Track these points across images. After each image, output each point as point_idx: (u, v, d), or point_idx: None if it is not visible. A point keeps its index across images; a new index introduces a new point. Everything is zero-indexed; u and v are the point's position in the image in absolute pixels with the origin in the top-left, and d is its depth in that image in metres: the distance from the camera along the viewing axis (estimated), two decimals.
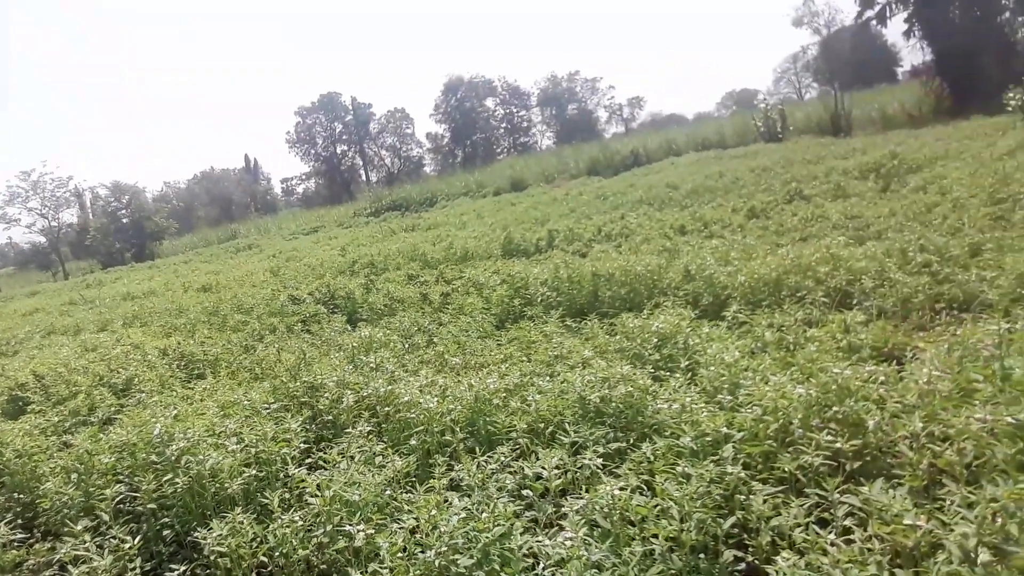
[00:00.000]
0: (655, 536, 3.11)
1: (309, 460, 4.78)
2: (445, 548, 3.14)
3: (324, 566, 3.75)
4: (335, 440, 5.01)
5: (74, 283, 33.19)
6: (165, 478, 4.56)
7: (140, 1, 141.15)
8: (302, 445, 4.90)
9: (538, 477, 3.72)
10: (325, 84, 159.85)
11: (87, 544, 3.82)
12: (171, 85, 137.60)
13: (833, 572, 2.61)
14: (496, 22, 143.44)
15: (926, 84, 33.44)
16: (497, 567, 3.10)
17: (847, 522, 2.98)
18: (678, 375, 5.01)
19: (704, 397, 4.51)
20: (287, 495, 4.28)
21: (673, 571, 2.98)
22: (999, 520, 2.42)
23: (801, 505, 3.08)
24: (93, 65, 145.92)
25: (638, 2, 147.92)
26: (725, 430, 3.84)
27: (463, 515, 3.35)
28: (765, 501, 3.16)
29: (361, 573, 3.37)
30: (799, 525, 2.99)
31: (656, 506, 3.22)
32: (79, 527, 3.98)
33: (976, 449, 3.06)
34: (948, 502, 2.84)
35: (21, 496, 5.27)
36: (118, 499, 4.49)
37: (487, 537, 3.16)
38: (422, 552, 3.21)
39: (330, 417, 5.61)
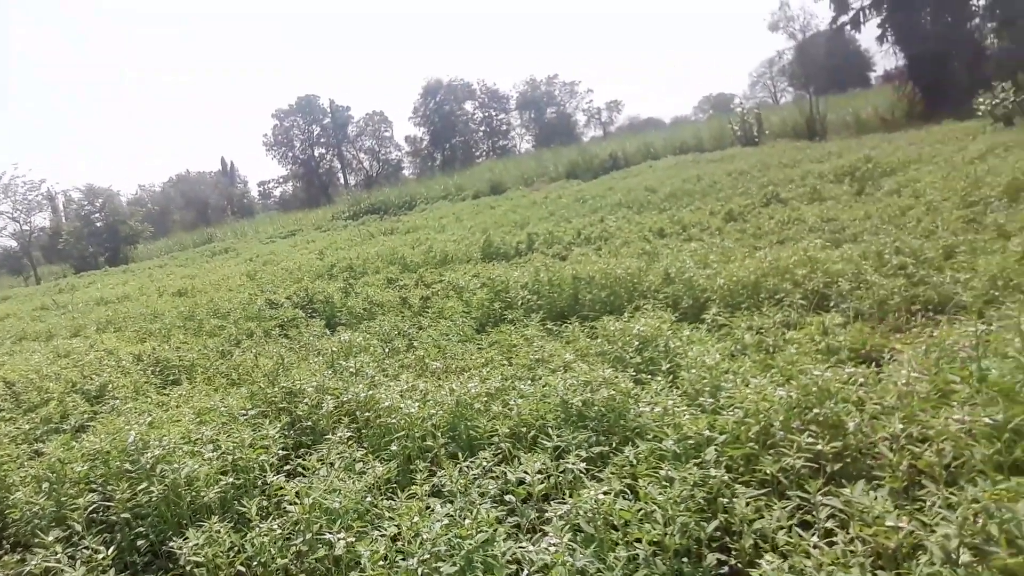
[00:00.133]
0: (639, 540, 3.10)
1: (288, 467, 4.73)
2: (427, 556, 3.10)
3: (304, 575, 3.69)
4: (314, 446, 4.95)
5: (46, 288, 32.61)
6: (140, 487, 4.47)
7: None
8: (280, 452, 4.84)
9: (521, 482, 3.70)
10: (302, 87, 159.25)
11: (58, 555, 3.72)
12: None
13: (816, 575, 2.62)
14: (475, 25, 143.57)
15: (899, 89, 34.02)
16: (481, 574, 3.07)
17: (829, 524, 3.00)
18: (660, 378, 5.02)
19: (686, 400, 4.52)
20: (265, 503, 4.22)
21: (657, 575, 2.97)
22: (980, 521, 2.43)
23: (783, 507, 3.09)
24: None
25: (616, 7, 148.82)
26: (707, 433, 3.85)
27: (445, 522, 3.31)
28: (748, 504, 3.17)
29: None
30: (782, 528, 3.00)
31: (640, 510, 3.21)
32: (50, 538, 3.89)
33: (955, 450, 3.09)
34: (928, 503, 2.86)
35: None
36: (91, 508, 4.40)
37: (470, 544, 3.13)
38: (404, 560, 3.16)
39: (309, 423, 5.54)
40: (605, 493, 3.26)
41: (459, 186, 39.51)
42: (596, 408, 4.56)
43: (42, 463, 5.09)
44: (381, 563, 3.23)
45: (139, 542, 4.33)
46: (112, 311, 15.35)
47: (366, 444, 5.00)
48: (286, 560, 3.65)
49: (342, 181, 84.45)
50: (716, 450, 3.63)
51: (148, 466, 4.57)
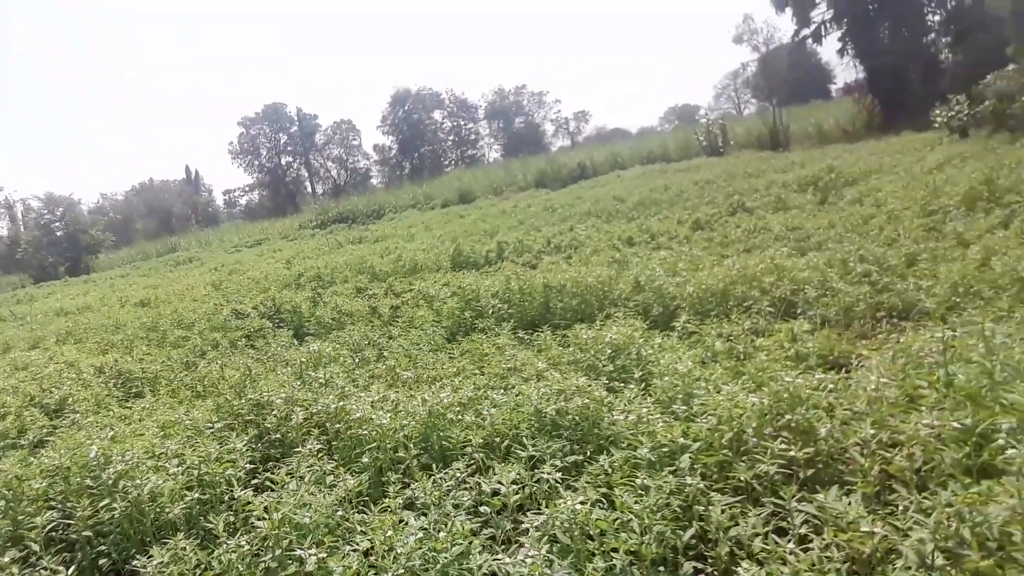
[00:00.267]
0: (615, 550, 3.08)
1: (256, 481, 4.62)
2: (402, 570, 3.05)
3: None
4: (283, 460, 4.85)
5: (3, 298, 31.59)
6: (101, 503, 4.33)
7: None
8: (248, 465, 4.72)
9: (495, 493, 3.66)
10: (268, 95, 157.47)
11: None
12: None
13: None
14: (444, 35, 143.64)
15: (858, 101, 34.93)
16: None
17: (804, 530, 3.01)
18: (633, 386, 5.02)
19: (659, 407, 4.52)
20: (233, 519, 4.11)
21: None
22: (953, 525, 2.46)
23: (758, 514, 3.10)
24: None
25: (582, 19, 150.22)
26: (681, 440, 3.85)
27: (419, 535, 3.26)
28: (723, 511, 3.17)
29: None
30: (757, 534, 3.01)
31: (616, 519, 3.19)
32: (6, 558, 3.75)
33: (925, 454, 3.13)
34: (900, 507, 2.89)
35: None
36: (50, 527, 4.24)
37: (445, 557, 3.08)
38: (377, 575, 3.10)
39: (278, 435, 5.43)
40: (581, 503, 3.24)
41: (428, 195, 39.45)
42: (570, 417, 4.55)
43: None
44: None
45: (101, 561, 4.18)
46: (72, 322, 14.93)
47: (337, 456, 4.91)
48: None
49: (309, 190, 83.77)
50: (691, 457, 3.64)
51: (110, 482, 4.43)
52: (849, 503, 2.90)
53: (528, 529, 3.22)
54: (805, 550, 2.80)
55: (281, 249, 28.82)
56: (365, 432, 4.82)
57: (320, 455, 4.65)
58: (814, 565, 2.68)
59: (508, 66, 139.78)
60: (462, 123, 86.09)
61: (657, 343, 6.15)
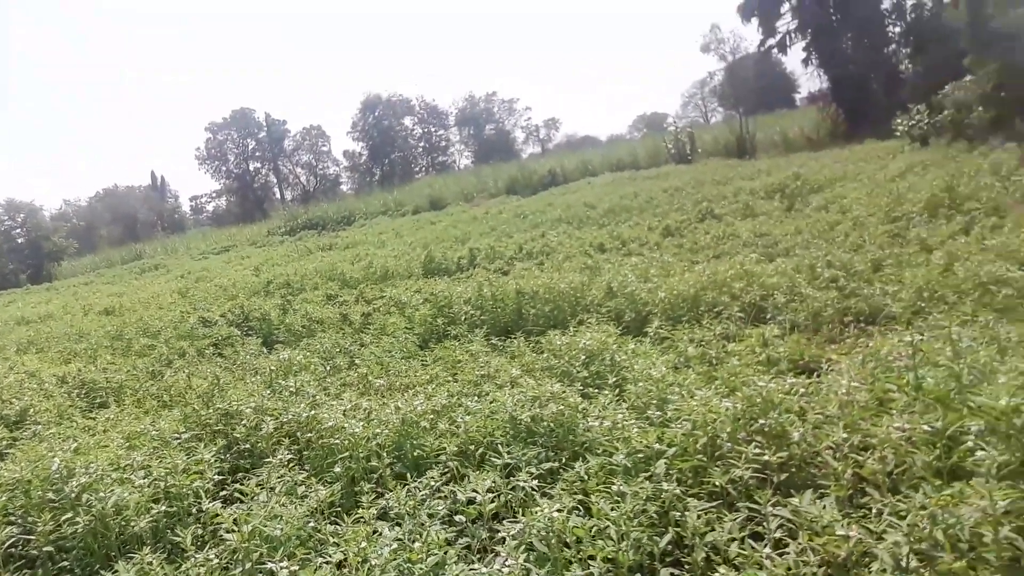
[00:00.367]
0: (592, 558, 3.06)
1: (225, 493, 4.52)
2: None
3: None
4: (253, 470, 4.76)
5: None
6: (64, 517, 4.19)
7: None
8: (216, 477, 4.61)
9: (471, 502, 3.63)
10: (236, 100, 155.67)
11: None
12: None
13: None
14: (414, 42, 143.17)
15: (823, 110, 35.64)
16: None
17: (779, 534, 3.02)
18: (607, 392, 5.02)
19: (634, 413, 4.52)
20: (201, 532, 4.01)
21: None
22: (927, 527, 2.49)
23: (734, 519, 3.11)
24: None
25: (551, 26, 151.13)
26: (656, 446, 3.85)
27: (394, 546, 3.21)
28: (699, 517, 3.17)
29: None
30: (733, 539, 3.01)
31: (593, 527, 3.18)
32: None
33: (896, 457, 3.17)
34: (873, 510, 2.92)
35: None
36: (9, 543, 4.10)
37: (421, 568, 3.04)
38: None
39: (247, 446, 5.32)
40: (558, 510, 3.21)
41: (399, 202, 39.26)
42: (545, 423, 4.53)
43: None
44: None
45: None
46: (34, 331, 14.53)
47: (308, 466, 4.83)
48: None
49: (278, 196, 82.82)
50: (666, 463, 3.64)
51: (73, 495, 4.30)
52: (823, 507, 2.93)
53: (504, 538, 3.19)
54: (781, 554, 2.81)
55: (249, 256, 28.42)
56: (337, 441, 4.74)
57: (291, 465, 4.57)
58: (790, 569, 2.69)
59: (479, 74, 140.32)
60: (433, 130, 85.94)
61: (631, 349, 6.17)
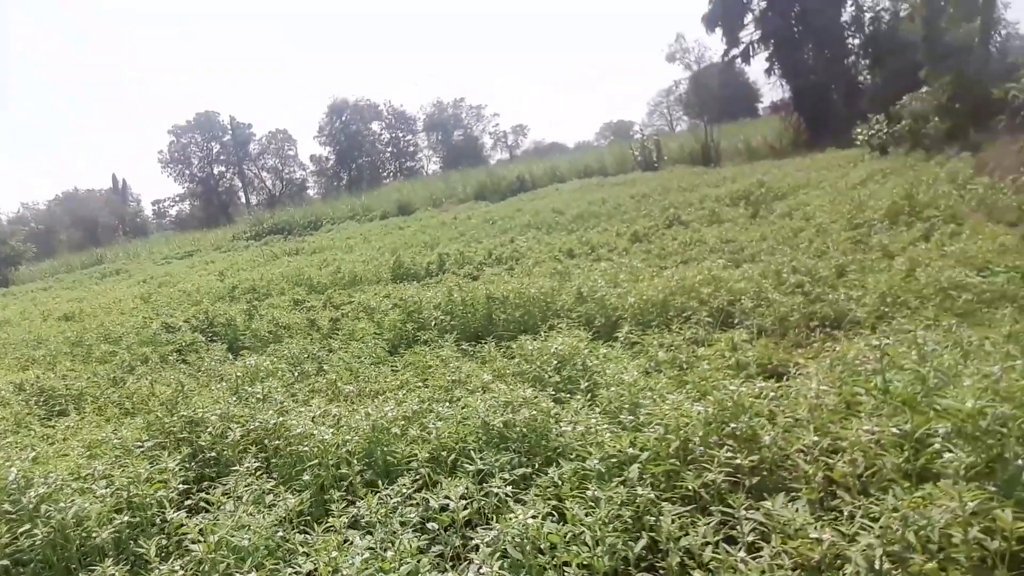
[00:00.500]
0: (567, 564, 3.04)
1: (190, 502, 4.39)
2: None
3: None
4: (219, 479, 4.63)
5: None
6: (21, 529, 4.03)
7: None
8: (181, 486, 4.49)
9: (443, 509, 3.58)
10: (199, 103, 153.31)
11: None
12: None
13: None
14: (382, 47, 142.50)
15: (785, 119, 36.41)
16: None
17: (752, 538, 3.04)
18: (579, 397, 5.02)
19: (607, 418, 4.52)
20: (165, 542, 3.90)
21: None
22: (899, 529, 2.52)
23: (708, 523, 3.11)
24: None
25: (518, 34, 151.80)
26: (630, 450, 3.85)
27: (366, 555, 3.15)
28: (673, 521, 3.17)
29: None
30: (708, 543, 3.02)
31: (567, 533, 3.16)
32: None
33: (866, 460, 3.21)
34: (845, 513, 2.95)
35: None
36: None
37: None
38: None
39: (213, 454, 5.19)
40: (532, 517, 3.19)
41: (366, 207, 39.01)
42: (518, 429, 4.50)
43: None
44: None
45: None
46: None
47: (276, 474, 4.73)
48: None
49: (243, 200, 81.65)
50: (639, 467, 3.64)
51: (31, 506, 4.13)
52: (796, 510, 2.95)
53: (478, 545, 3.15)
54: (755, 558, 2.82)
55: (214, 261, 27.94)
56: (306, 448, 4.65)
57: (258, 473, 4.47)
58: (764, 573, 2.70)
59: (447, 79, 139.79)
60: (400, 135, 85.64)
61: (602, 353, 6.18)
